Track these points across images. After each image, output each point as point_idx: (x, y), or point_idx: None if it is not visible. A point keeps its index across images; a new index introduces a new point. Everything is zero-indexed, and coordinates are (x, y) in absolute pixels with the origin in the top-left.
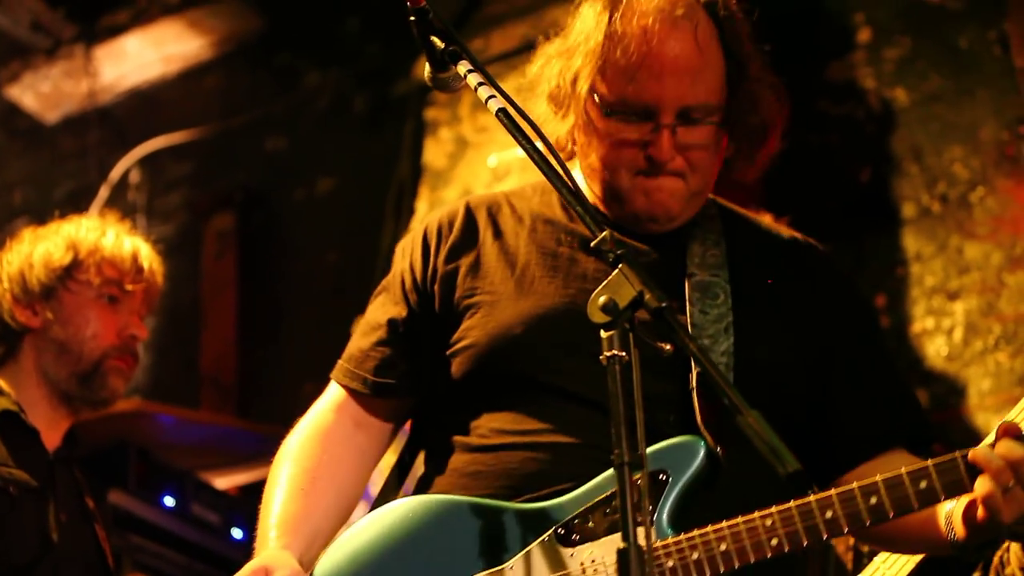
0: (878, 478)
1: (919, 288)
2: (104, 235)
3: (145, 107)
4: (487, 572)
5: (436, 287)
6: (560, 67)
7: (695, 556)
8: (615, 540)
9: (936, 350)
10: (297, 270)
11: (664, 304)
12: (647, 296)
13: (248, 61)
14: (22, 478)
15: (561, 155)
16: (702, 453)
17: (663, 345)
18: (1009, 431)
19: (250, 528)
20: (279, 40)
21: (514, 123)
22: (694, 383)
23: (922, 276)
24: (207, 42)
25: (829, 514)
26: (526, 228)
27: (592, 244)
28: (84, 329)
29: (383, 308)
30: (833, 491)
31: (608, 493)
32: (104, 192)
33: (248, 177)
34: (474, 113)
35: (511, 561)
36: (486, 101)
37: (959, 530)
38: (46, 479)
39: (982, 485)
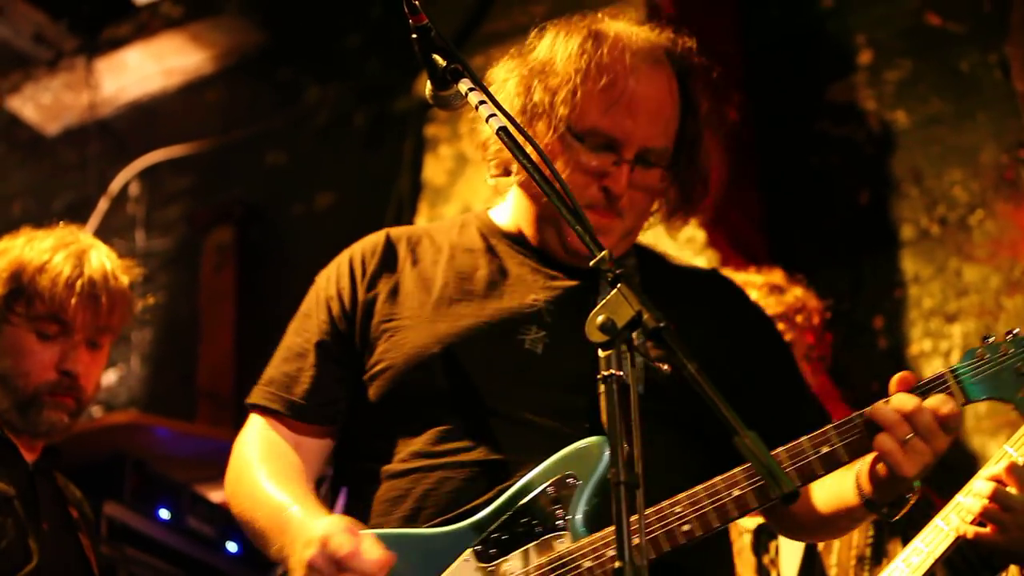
0: (780, 449)
1: (917, 310)
2: (49, 261)
3: (145, 120)
4: None
5: (359, 314)
6: (533, 84)
7: (610, 553)
8: (530, 551)
9: (934, 372)
10: (296, 284)
11: (663, 324)
12: (645, 316)
13: (249, 75)
14: (3, 488)
15: (499, 170)
16: (606, 454)
17: (660, 365)
18: (903, 383)
19: (245, 542)
20: (280, 55)
21: (514, 142)
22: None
23: (920, 298)
24: (208, 56)
25: (737, 492)
26: (444, 256)
27: (591, 263)
28: (19, 363)
29: (307, 334)
30: (738, 468)
31: (520, 504)
32: (103, 204)
33: (247, 191)
34: (474, 130)
35: None
36: (487, 120)
37: (866, 487)
38: (26, 489)
39: (880, 441)
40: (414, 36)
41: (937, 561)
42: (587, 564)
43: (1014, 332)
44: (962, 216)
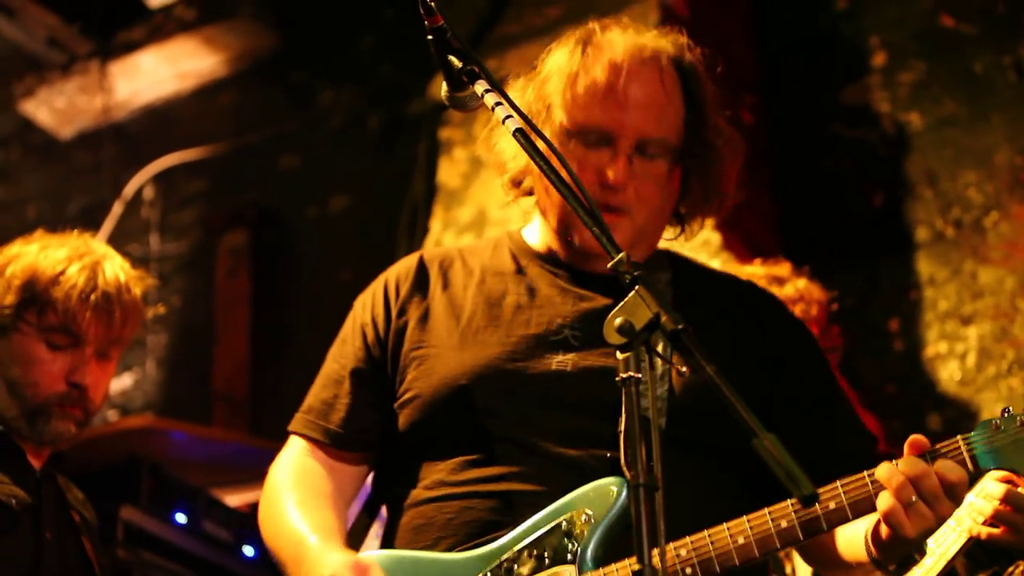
0: (788, 502)
1: (932, 312)
2: (63, 272)
3: (159, 123)
4: None
5: (391, 341)
6: (532, 95)
7: None
8: None
9: (949, 375)
10: (310, 288)
11: (681, 326)
12: (664, 318)
13: (262, 79)
14: (21, 494)
15: (519, 190)
16: (624, 493)
17: (679, 367)
18: (915, 447)
19: (261, 546)
20: (294, 58)
21: (531, 143)
22: (622, 426)
23: (936, 300)
24: (222, 59)
25: (741, 540)
26: (475, 280)
27: (609, 266)
28: (29, 373)
29: (344, 360)
30: (744, 517)
31: (535, 536)
32: (118, 208)
33: (261, 194)
34: (489, 133)
35: None
36: (503, 121)
37: (872, 548)
38: (34, 496)
39: (883, 501)
40: (430, 38)
41: (950, 562)
42: None
43: None
44: (977, 218)
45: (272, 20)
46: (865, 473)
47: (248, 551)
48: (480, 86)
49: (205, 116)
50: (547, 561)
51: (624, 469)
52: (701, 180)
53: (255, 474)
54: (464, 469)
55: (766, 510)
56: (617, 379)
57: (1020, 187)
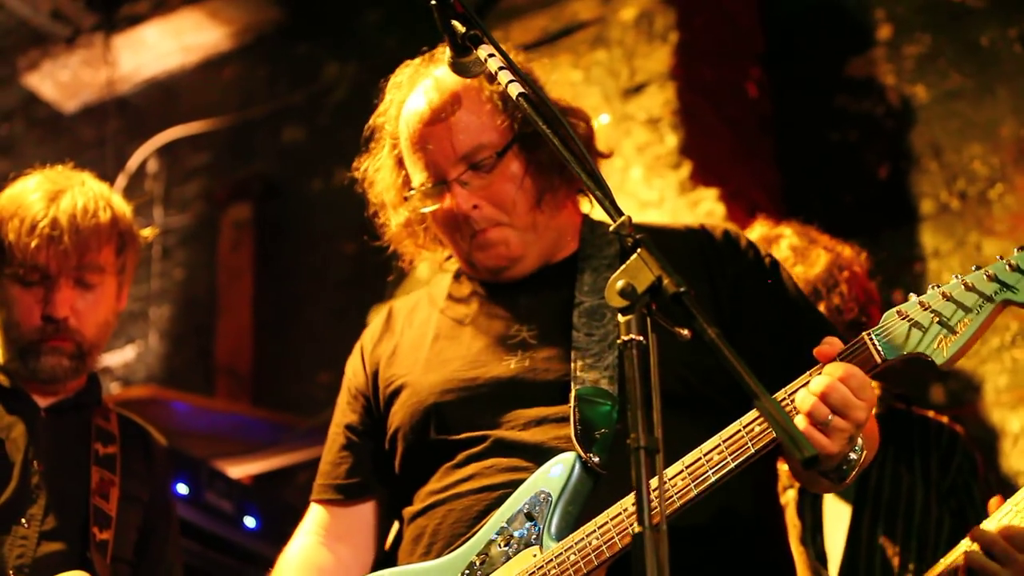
0: (717, 439)
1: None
2: (20, 207)
3: (163, 97)
4: None
5: (370, 389)
6: (385, 176)
7: (572, 558)
8: (510, 566)
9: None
10: (313, 260)
11: (683, 289)
12: (666, 281)
13: (267, 52)
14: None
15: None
16: (576, 467)
17: (681, 330)
18: (823, 354)
19: (263, 517)
20: (298, 31)
21: (535, 107)
22: (572, 402)
23: (940, 272)
24: (226, 32)
25: (681, 483)
26: (437, 308)
27: (611, 229)
28: (12, 314)
29: (339, 417)
30: (680, 462)
31: (501, 526)
32: (122, 181)
33: (265, 167)
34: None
35: None
36: (506, 85)
37: (798, 467)
38: (29, 430)
39: (800, 425)
40: (433, 3)
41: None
42: (553, 572)
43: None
44: (982, 190)
45: None
46: (786, 398)
47: (249, 522)
48: (483, 50)
49: (209, 89)
50: (515, 547)
51: (575, 445)
52: (544, 151)
53: (257, 445)
54: (446, 476)
55: (698, 450)
56: (619, 342)
57: None
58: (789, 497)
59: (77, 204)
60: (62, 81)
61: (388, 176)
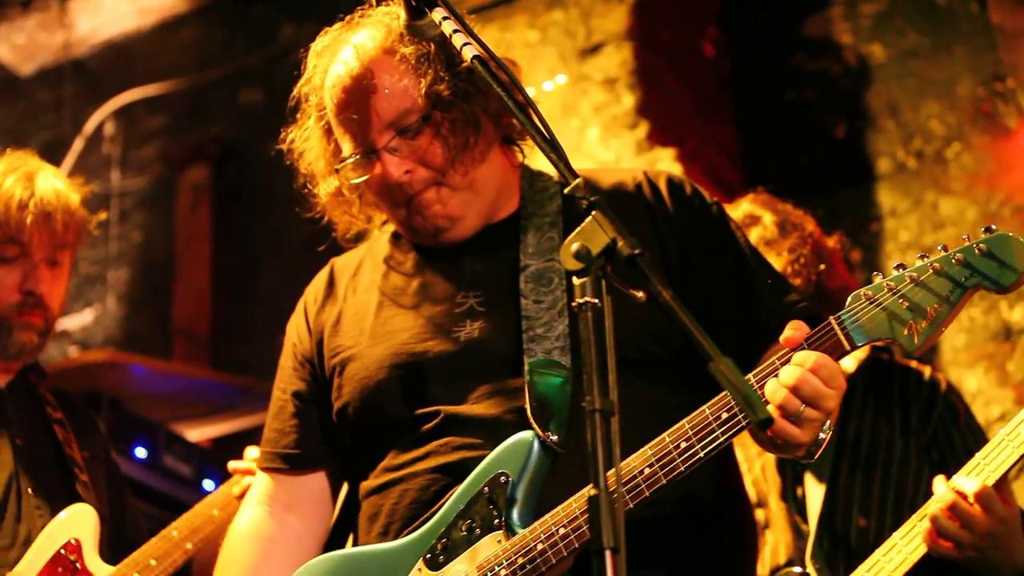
0: (685, 423)
1: (893, 243)
2: (9, 188)
3: (120, 59)
4: None
5: (315, 355)
6: (314, 146)
7: (539, 547)
8: (474, 552)
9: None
10: (271, 223)
11: (637, 251)
12: (620, 243)
13: (224, 13)
14: None
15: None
16: (535, 446)
17: (636, 293)
18: (791, 341)
19: (222, 480)
20: None
21: (489, 70)
22: (526, 376)
23: (897, 231)
24: None
25: (648, 470)
26: (379, 274)
27: (565, 191)
28: None
29: (283, 385)
30: (648, 446)
31: (461, 508)
32: (79, 144)
33: (223, 130)
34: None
35: None
36: (460, 48)
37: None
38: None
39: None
40: None
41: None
42: (520, 561)
43: (901, 267)
44: (939, 149)
45: None
46: (755, 383)
47: (208, 485)
48: (438, 13)
49: (166, 51)
50: (477, 531)
51: (532, 424)
52: (465, 107)
53: (215, 408)
54: (401, 453)
55: (666, 434)
56: (573, 304)
57: (982, 118)
58: (768, 459)
59: (56, 186)
60: (18, 44)
61: (317, 146)
